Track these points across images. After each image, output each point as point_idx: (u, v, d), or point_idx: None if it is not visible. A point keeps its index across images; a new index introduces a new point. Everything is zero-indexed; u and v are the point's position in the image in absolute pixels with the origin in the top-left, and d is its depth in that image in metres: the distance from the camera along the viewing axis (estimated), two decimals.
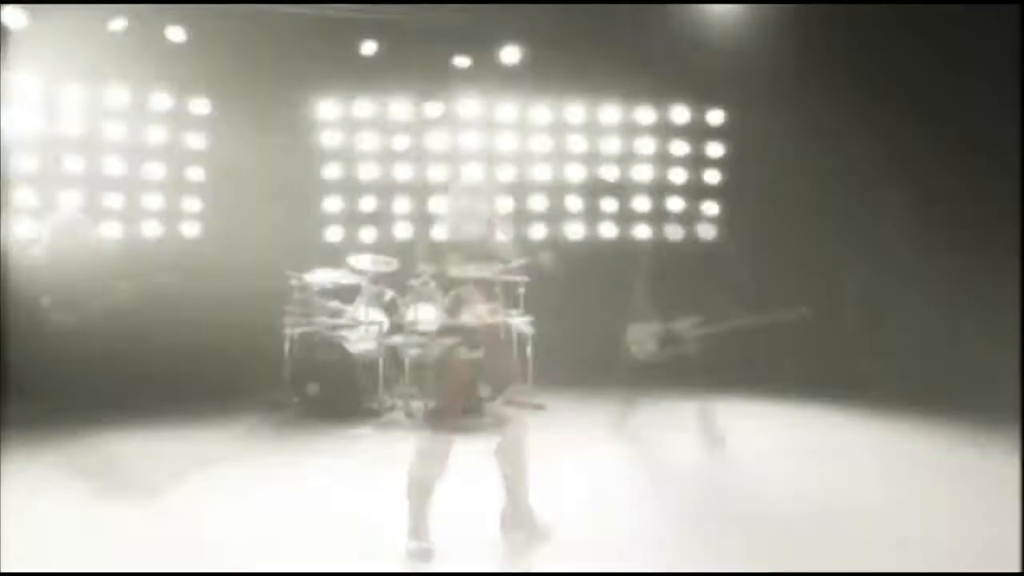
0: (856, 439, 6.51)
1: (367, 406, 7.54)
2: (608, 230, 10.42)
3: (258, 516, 4.66)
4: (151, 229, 9.22)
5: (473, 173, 9.80)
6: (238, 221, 9.37)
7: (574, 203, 10.36)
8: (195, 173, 9.47)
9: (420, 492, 4.03)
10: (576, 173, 10.34)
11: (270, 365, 8.05)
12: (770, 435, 6.67)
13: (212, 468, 5.63)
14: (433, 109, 10.08)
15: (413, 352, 7.82)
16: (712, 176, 10.45)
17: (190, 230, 9.47)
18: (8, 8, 8.08)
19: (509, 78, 9.86)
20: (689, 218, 10.40)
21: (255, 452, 6.12)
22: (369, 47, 9.46)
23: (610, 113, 10.25)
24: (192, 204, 9.49)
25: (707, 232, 10.41)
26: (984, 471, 5.36)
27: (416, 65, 9.69)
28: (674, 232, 10.36)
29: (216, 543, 4.20)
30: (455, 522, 4.33)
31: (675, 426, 6.43)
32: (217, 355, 8.59)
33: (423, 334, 7.94)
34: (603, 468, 5.67)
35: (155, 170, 9.24)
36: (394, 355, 7.91)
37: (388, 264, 8.19)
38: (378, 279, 8.15)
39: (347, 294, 8.35)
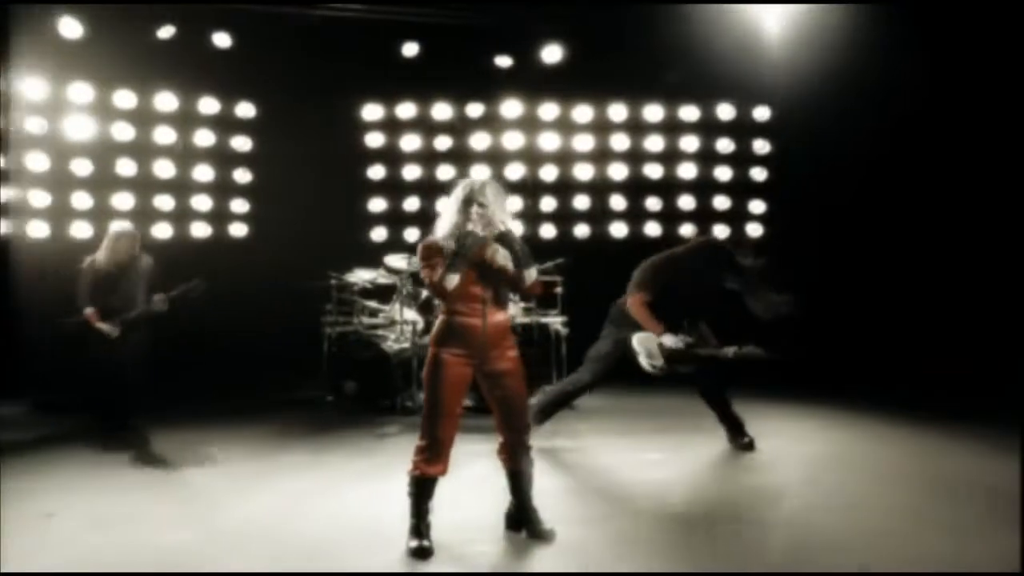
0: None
1: (403, 404, 7.61)
2: (652, 229, 10.31)
3: (268, 508, 4.74)
4: (200, 230, 9.48)
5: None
6: (284, 222, 9.59)
7: (617, 202, 10.28)
8: (242, 175, 9.70)
9: (421, 491, 4.07)
10: (619, 172, 10.26)
11: (312, 363, 8.21)
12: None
13: (245, 461, 5.75)
14: (475, 109, 10.13)
15: None
16: (759, 173, 10.23)
17: (237, 231, 9.71)
18: (65, 19, 8.40)
19: (551, 77, 9.84)
20: (736, 216, 10.30)
21: (284, 446, 6.21)
22: (410, 49, 9.54)
23: (653, 111, 10.14)
24: (240, 206, 9.73)
25: (755, 230, 10.33)
26: None
27: (457, 66, 9.75)
28: (720, 231, 10.30)
29: (221, 533, 4.29)
30: (458, 522, 4.34)
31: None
32: (260, 352, 8.81)
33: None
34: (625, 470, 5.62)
35: (204, 172, 9.49)
36: None
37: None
38: (415, 279, 8.21)
39: (386, 294, 8.45)
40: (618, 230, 10.29)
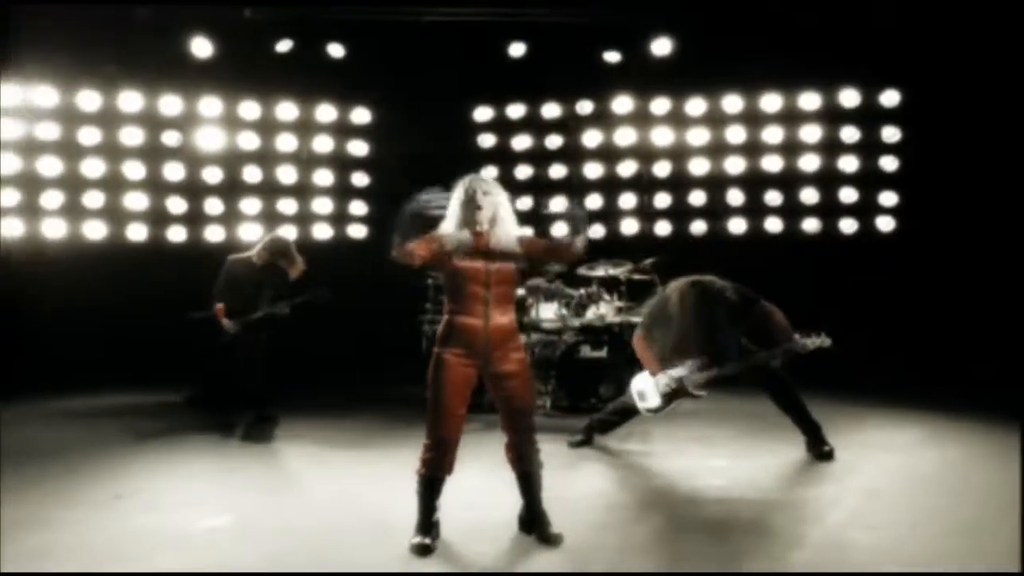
0: None
1: (489, 402, 7.66)
2: (773, 224, 9.84)
3: (312, 499, 4.94)
4: (322, 231, 9.98)
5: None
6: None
7: (735, 197, 9.89)
8: (360, 179, 10.11)
9: (426, 490, 4.10)
10: (736, 166, 9.86)
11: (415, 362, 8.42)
12: None
13: (313, 454, 6.03)
14: (585, 107, 10.06)
15: (537, 350, 7.88)
16: (889, 163, 9.52)
17: (356, 232, 10.14)
18: (197, 39, 9.08)
19: (661, 70, 9.61)
20: (864, 210, 9.64)
21: (358, 441, 6.43)
22: (517, 49, 9.60)
23: (771, 100, 9.67)
24: (359, 208, 10.15)
25: (886, 224, 9.63)
26: None
27: (566, 63, 9.71)
28: (848, 225, 9.69)
29: (257, 521, 4.51)
30: (464, 522, 4.35)
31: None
32: (372, 349, 9.17)
33: (548, 332, 8.00)
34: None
35: (324, 177, 9.98)
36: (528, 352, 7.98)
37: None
38: None
39: None
40: (736, 226, 9.92)
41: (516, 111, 10.19)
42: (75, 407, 7.73)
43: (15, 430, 6.76)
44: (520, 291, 8.26)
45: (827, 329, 5.73)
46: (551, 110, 10.15)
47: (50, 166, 9.03)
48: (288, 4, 9.09)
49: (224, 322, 6.75)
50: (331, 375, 9.01)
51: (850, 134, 9.55)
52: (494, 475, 4.68)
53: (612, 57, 9.68)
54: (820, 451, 5.73)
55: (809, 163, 9.69)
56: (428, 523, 4.12)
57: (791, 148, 9.72)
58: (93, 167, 9.18)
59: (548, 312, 7.89)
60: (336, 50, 9.42)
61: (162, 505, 4.83)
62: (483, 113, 10.24)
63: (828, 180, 9.69)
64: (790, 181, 9.77)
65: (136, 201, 9.35)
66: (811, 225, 9.77)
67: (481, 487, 4.85)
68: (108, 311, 8.87)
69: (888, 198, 9.55)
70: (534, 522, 4.21)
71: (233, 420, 6.78)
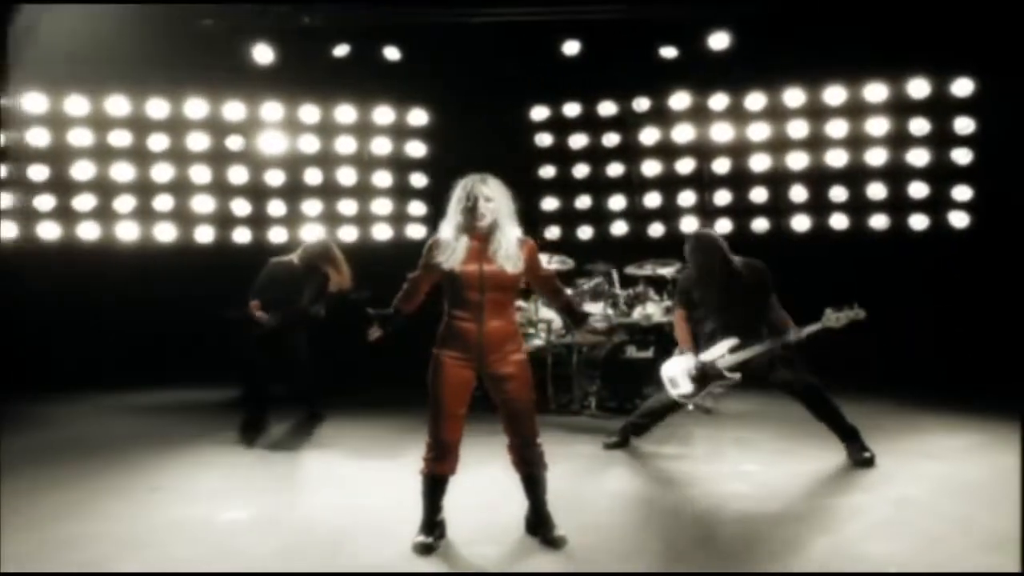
0: None
1: (552, 402, 7.67)
2: (838, 221, 9.51)
3: (329, 496, 5.05)
4: (382, 232, 10.14)
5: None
6: None
7: (798, 193, 9.60)
8: (418, 179, 10.24)
9: (430, 490, 4.13)
10: (798, 161, 9.56)
11: None
12: None
13: (359, 456, 6.14)
14: (642, 104, 9.93)
15: (584, 350, 7.84)
16: (962, 156, 9.07)
17: (415, 232, 10.24)
18: (259, 46, 9.35)
19: (720, 65, 9.40)
20: (936, 205, 9.23)
21: (397, 441, 6.50)
22: (571, 47, 9.53)
23: (835, 93, 9.33)
24: (417, 208, 10.26)
25: (960, 220, 9.19)
26: None
27: (621, 60, 9.60)
28: (918, 221, 9.29)
29: (273, 516, 4.62)
30: (469, 523, 4.36)
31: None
32: (424, 351, 9.24)
33: (595, 332, 7.93)
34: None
35: (382, 178, 10.14)
36: (572, 352, 7.95)
37: (563, 263, 8.25)
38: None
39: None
40: (799, 223, 9.63)
41: (572, 109, 10.14)
42: (131, 402, 8.08)
43: (77, 424, 7.13)
44: (568, 291, 8.25)
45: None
46: (607, 108, 10.05)
47: (122, 171, 9.46)
48: (344, 9, 9.24)
49: (258, 315, 6.70)
50: (383, 375, 9.12)
51: (920, 126, 9.13)
52: (506, 476, 4.67)
53: (669, 53, 9.49)
54: (860, 457, 5.52)
55: (876, 157, 9.32)
56: (431, 523, 4.16)
57: (856, 142, 9.36)
58: (162, 172, 9.57)
59: (594, 312, 7.82)
60: (392, 53, 9.53)
61: (191, 497, 5.01)
62: (539, 112, 10.22)
63: (897, 175, 9.30)
64: (856, 176, 9.42)
65: (203, 204, 9.69)
66: (879, 222, 9.40)
67: (492, 488, 4.85)
68: (176, 310, 9.20)
69: (961, 192, 9.09)
70: (539, 524, 4.20)
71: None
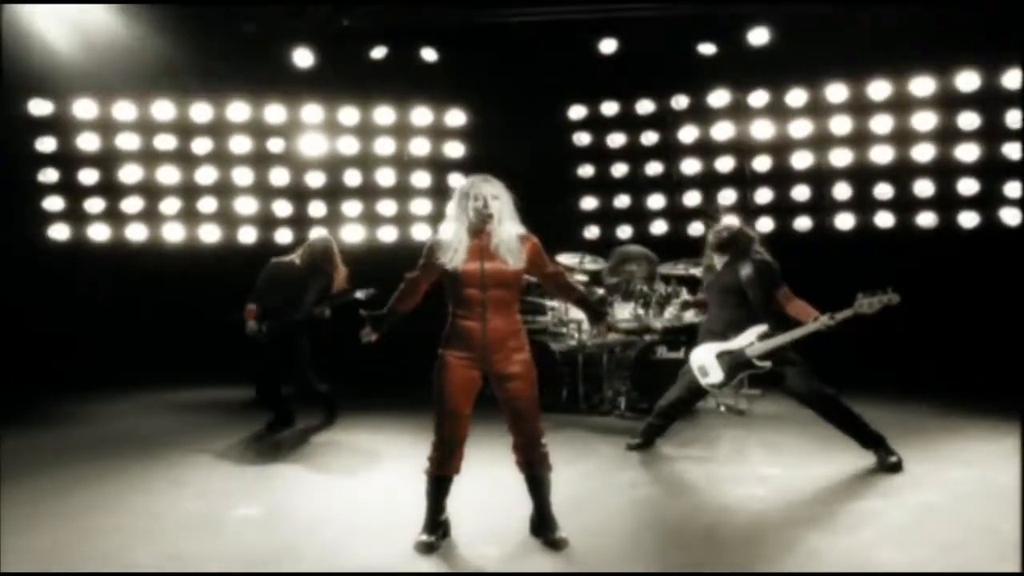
0: None
1: (565, 402, 7.64)
2: (884, 219, 9.25)
3: (346, 494, 5.10)
4: (421, 232, 10.21)
5: None
6: None
7: (842, 191, 9.37)
8: (456, 180, 10.24)
9: (434, 489, 4.14)
10: (842, 158, 9.33)
11: None
12: None
13: (376, 455, 6.20)
14: (680, 101, 9.81)
15: (617, 351, 7.79)
16: (1013, 151, 8.73)
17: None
18: (299, 50, 9.51)
19: (759, 61, 9.23)
20: (986, 201, 8.91)
21: (415, 440, 6.49)
22: (608, 45, 9.47)
23: (879, 87, 9.08)
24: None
25: (1012, 217, 8.86)
26: None
27: (658, 58, 9.50)
28: (968, 219, 8.99)
29: (285, 513, 4.68)
30: (473, 523, 4.35)
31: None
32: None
33: (623, 332, 7.88)
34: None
35: (421, 178, 10.21)
36: (604, 352, 7.90)
37: (595, 262, 8.20)
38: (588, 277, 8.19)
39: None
40: (843, 222, 9.40)
41: (610, 108, 10.06)
42: (171, 400, 8.27)
43: (116, 420, 7.35)
44: (600, 291, 8.19)
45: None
46: (646, 106, 9.96)
47: (168, 174, 9.72)
48: (382, 11, 9.33)
49: (250, 325, 6.55)
50: (416, 373, 9.17)
51: (969, 120, 8.82)
52: (515, 476, 4.66)
53: (707, 49, 9.37)
54: (887, 462, 5.37)
55: (923, 153, 9.03)
56: (434, 522, 4.17)
57: (902, 137, 9.08)
58: (206, 174, 9.80)
59: (625, 312, 7.76)
60: (429, 54, 9.59)
61: (208, 493, 5.12)
62: (577, 111, 10.17)
63: (945, 171, 9.00)
64: (902, 173, 9.14)
65: (246, 205, 9.90)
66: (926, 219, 9.11)
67: (501, 488, 4.83)
68: (220, 309, 9.39)
69: (1013, 188, 8.75)
70: (541, 525, 4.18)
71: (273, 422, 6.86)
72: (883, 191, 9.22)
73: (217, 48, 9.29)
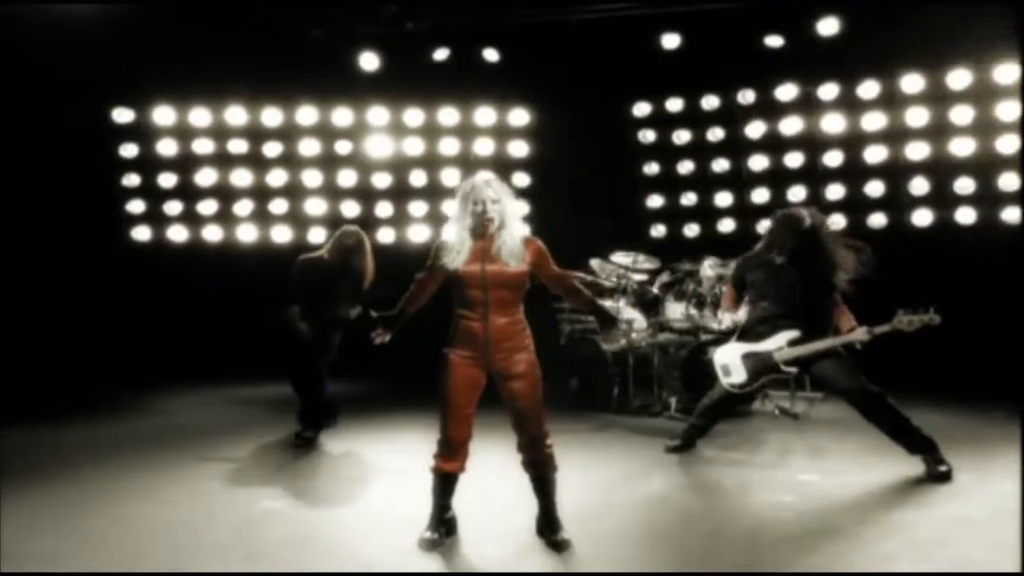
0: None
1: (617, 402, 7.55)
2: (964, 215, 8.77)
3: (372, 490, 5.01)
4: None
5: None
6: (564, 223, 9.94)
7: (919, 185, 8.93)
8: (520, 179, 10.27)
9: (438, 486, 4.16)
10: (918, 151, 8.89)
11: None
12: None
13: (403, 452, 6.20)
14: (746, 96, 9.55)
15: (671, 351, 7.66)
16: None
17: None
18: (365, 54, 9.71)
19: (829, 52, 8.90)
20: None
21: None
22: (671, 41, 9.30)
23: (957, 76, 8.60)
24: (521, 207, 10.32)
25: None
26: None
27: (723, 52, 9.28)
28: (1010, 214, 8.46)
29: (310, 504, 4.81)
30: (479, 522, 4.35)
31: None
32: None
33: (676, 332, 7.74)
34: None
35: None
36: (655, 353, 7.78)
37: (649, 261, 8.07)
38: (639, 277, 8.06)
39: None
40: (921, 218, 8.95)
41: (675, 104, 9.89)
42: (235, 395, 8.54)
43: (180, 413, 7.68)
44: (654, 291, 8.05)
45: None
46: (711, 101, 9.74)
47: (241, 177, 10.08)
48: (445, 12, 9.43)
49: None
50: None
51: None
52: (522, 475, 4.65)
53: (774, 42, 9.09)
54: (935, 471, 5.09)
55: (1007, 145, 8.51)
56: (439, 519, 4.19)
57: (984, 128, 8.57)
58: (277, 177, 10.12)
59: (676, 312, 7.61)
60: (491, 55, 9.64)
61: (240, 485, 5.29)
62: (641, 108, 10.03)
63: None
64: (984, 166, 8.64)
65: (315, 207, 10.17)
66: (1011, 215, 8.59)
67: (509, 488, 4.80)
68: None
69: None
70: (546, 525, 4.15)
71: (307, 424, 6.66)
72: (964, 185, 8.73)
73: (286, 53, 9.57)
